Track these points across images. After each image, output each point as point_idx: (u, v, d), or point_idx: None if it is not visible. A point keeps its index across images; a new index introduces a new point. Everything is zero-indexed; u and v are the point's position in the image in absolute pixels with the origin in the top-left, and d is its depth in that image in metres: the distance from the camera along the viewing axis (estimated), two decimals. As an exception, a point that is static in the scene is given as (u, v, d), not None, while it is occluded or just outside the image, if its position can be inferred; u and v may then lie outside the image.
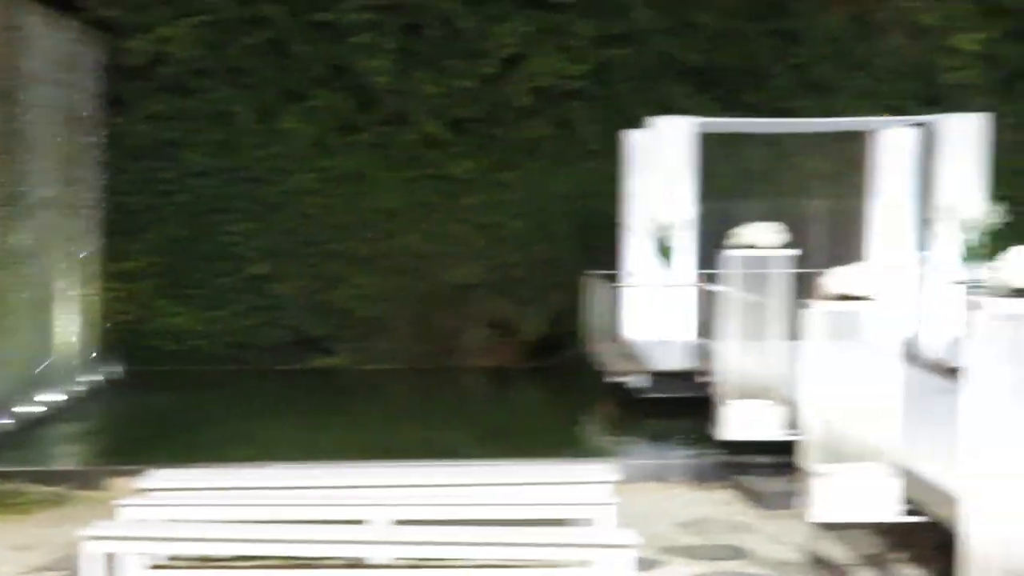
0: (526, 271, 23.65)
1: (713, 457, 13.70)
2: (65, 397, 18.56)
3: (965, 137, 18.57)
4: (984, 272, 15.84)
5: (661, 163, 18.58)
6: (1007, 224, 18.07)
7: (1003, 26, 24.78)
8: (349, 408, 19.32)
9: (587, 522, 9.31)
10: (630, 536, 8.32)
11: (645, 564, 9.56)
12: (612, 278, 19.42)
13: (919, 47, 24.85)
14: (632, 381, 17.05)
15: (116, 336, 22.18)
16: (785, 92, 24.27)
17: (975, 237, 17.99)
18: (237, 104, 23.35)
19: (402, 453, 13.63)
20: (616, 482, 9.85)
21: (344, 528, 9.03)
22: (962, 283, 17.50)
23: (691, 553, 10.40)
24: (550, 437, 16.24)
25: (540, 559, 8.45)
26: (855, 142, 20.73)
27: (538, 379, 22.17)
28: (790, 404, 12.52)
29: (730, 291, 13.56)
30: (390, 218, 23.54)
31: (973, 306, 6.92)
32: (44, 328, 19.15)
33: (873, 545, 10.29)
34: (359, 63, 23.48)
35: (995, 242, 17.20)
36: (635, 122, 19.91)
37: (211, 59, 23.33)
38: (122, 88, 22.68)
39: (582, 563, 8.34)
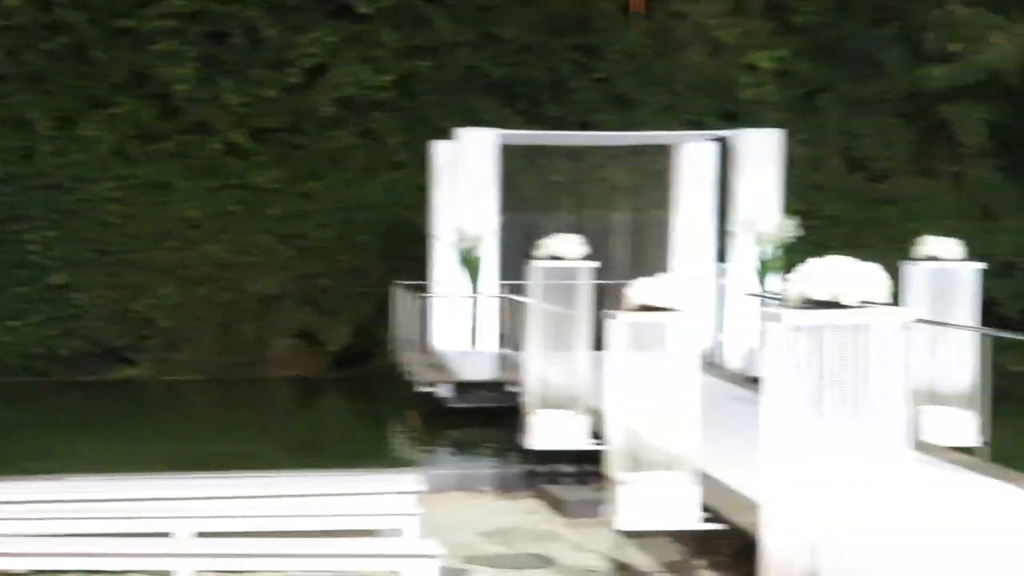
0: (332, 281, 23.58)
1: (519, 466, 13.81)
2: None
3: (762, 152, 18.97)
4: (780, 284, 16.27)
5: (466, 175, 18.67)
6: (801, 237, 18.52)
7: (797, 44, 25.45)
8: (152, 420, 19.06)
9: (394, 532, 9.32)
10: (434, 546, 8.36)
11: (450, 573, 9.61)
12: (419, 288, 19.46)
13: (718, 64, 25.39)
14: (439, 391, 17.10)
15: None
16: (588, 106, 24.61)
17: (771, 250, 18.40)
18: (36, 110, 22.88)
19: (206, 465, 13.49)
20: (421, 492, 9.88)
21: (147, 541, 8.92)
22: (759, 295, 17.91)
23: (496, 562, 10.48)
24: (356, 447, 16.22)
25: (345, 570, 8.45)
26: (657, 156, 21.06)
27: (345, 389, 22.11)
28: (595, 414, 12.68)
29: (535, 302, 13.69)
30: (192, 228, 23.28)
31: (770, 317, 7.09)
32: None
33: (675, 552, 10.48)
34: (161, 71, 23.18)
35: (790, 255, 17.63)
36: (441, 133, 19.98)
37: (8, 65, 22.84)
38: (-86, 93, 22.15)
39: (388, 574, 8.36)
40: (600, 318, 10.49)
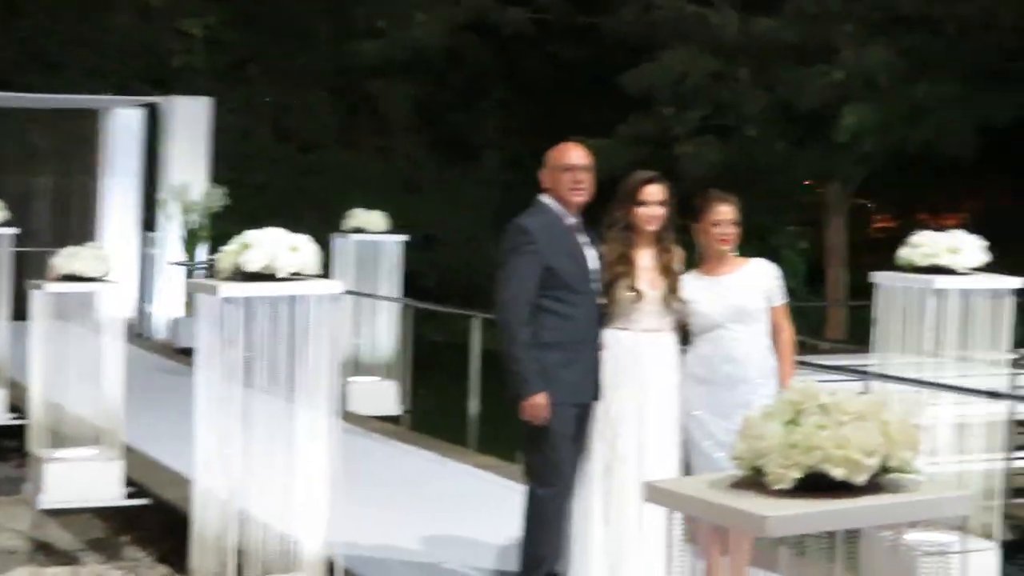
0: None
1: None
2: None
3: (191, 120, 18.87)
4: (208, 254, 16.15)
5: None
6: (230, 207, 18.50)
7: (227, 12, 25.39)
8: None
9: None
10: None
11: None
12: None
13: (148, 28, 24.99)
14: None
15: None
16: (8, 65, 23.67)
17: (199, 219, 18.28)
18: None
19: None
20: None
21: None
22: (186, 264, 17.78)
23: (-98, 547, 9.91)
24: None
25: None
26: (83, 120, 20.49)
27: None
28: (15, 387, 12.22)
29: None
30: None
31: (202, 289, 7.00)
32: None
33: (99, 529, 10.23)
34: None
35: (217, 224, 17.59)
36: None
37: None
38: None
39: None
40: (21, 287, 10.08)
